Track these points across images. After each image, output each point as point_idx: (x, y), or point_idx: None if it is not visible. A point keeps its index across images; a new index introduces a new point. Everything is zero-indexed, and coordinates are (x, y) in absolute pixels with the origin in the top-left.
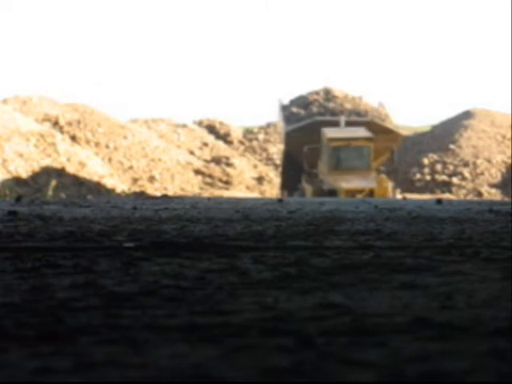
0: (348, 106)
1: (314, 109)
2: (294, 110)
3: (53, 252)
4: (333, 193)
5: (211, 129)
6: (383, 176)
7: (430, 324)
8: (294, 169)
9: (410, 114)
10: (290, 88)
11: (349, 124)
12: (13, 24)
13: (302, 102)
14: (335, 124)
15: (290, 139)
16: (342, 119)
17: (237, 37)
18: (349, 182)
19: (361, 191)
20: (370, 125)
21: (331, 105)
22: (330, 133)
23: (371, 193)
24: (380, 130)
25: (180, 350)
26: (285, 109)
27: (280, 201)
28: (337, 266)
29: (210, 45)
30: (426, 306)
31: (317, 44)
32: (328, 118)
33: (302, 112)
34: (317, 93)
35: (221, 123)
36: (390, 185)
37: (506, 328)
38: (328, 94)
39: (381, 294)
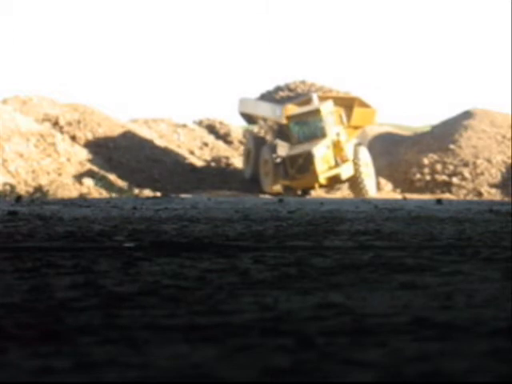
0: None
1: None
2: (283, 93)
3: (53, 252)
4: (284, 160)
5: (211, 129)
6: (340, 139)
7: (430, 324)
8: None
9: (410, 114)
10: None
11: (326, 99)
12: (13, 25)
13: (280, 92)
14: (327, 98)
15: (287, 113)
16: (315, 96)
17: (237, 37)
18: (293, 150)
19: (300, 156)
20: (355, 100)
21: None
22: (291, 111)
23: (309, 157)
24: (361, 105)
25: (180, 350)
26: (263, 97)
27: (280, 201)
28: (337, 265)
29: (211, 45)
30: (426, 306)
31: (317, 44)
32: (320, 94)
33: (292, 94)
34: (294, 84)
35: (221, 123)
36: (348, 145)
37: (505, 328)
38: (304, 84)
39: (381, 294)
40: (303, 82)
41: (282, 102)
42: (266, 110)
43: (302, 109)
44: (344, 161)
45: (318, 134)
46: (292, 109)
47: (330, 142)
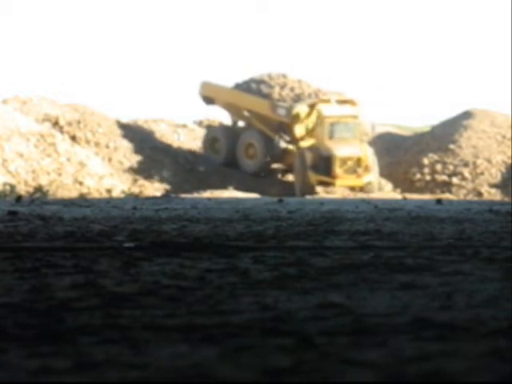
0: (296, 85)
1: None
2: (282, 91)
3: (53, 252)
4: (329, 158)
5: None
6: (365, 144)
7: (430, 324)
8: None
9: (410, 114)
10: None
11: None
12: (13, 25)
13: (257, 83)
14: (329, 101)
15: (295, 115)
16: (334, 99)
17: (237, 37)
18: (342, 151)
19: (350, 158)
20: (350, 101)
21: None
22: (325, 110)
23: (359, 160)
24: (352, 104)
25: (180, 350)
26: (239, 87)
27: (280, 201)
28: (337, 265)
29: (210, 44)
30: (426, 306)
31: (317, 42)
32: (327, 97)
33: (290, 92)
34: (276, 75)
35: (221, 124)
36: (369, 153)
37: (505, 328)
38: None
39: (381, 294)
40: (284, 76)
41: (285, 100)
42: (259, 105)
43: (340, 111)
44: (368, 168)
45: (350, 138)
46: (298, 108)
47: (361, 146)
